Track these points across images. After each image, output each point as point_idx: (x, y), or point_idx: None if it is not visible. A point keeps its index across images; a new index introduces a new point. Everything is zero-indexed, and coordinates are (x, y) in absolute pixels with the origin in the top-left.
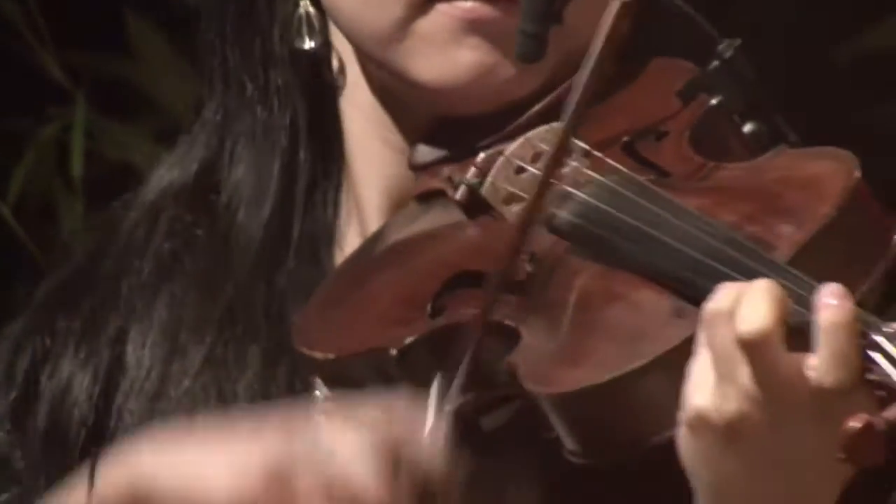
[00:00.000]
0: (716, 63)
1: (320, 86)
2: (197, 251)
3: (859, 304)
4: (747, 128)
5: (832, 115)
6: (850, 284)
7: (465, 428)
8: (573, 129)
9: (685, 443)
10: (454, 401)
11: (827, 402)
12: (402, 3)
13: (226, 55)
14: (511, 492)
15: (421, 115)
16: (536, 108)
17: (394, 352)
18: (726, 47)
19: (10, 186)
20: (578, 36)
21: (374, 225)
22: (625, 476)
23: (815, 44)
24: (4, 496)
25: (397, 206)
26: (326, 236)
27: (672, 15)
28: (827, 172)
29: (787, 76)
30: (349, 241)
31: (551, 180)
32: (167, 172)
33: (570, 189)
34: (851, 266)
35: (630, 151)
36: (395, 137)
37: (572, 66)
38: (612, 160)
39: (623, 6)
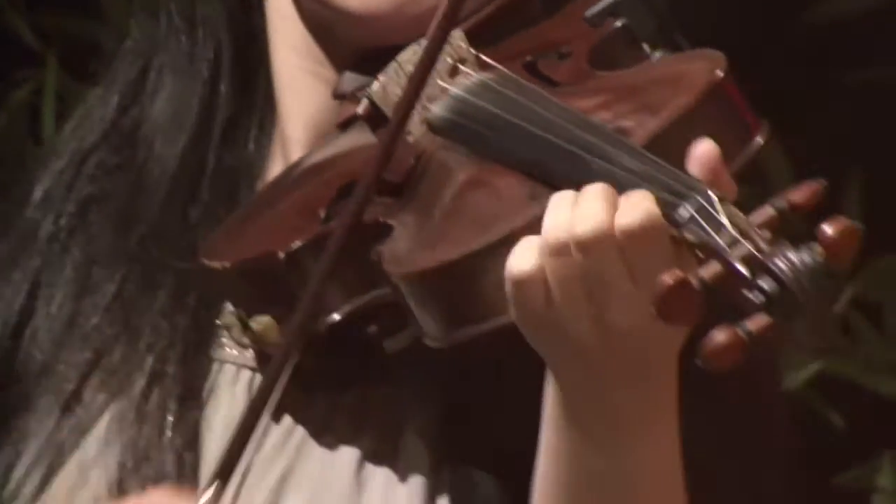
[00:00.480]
0: None
1: (250, 21)
2: (116, 188)
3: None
4: (656, 56)
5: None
6: None
7: (366, 351)
8: (446, 31)
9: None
10: (340, 309)
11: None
12: None
13: None
14: (413, 415)
15: (350, 46)
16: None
17: (281, 255)
18: None
19: None
20: None
21: (297, 153)
22: (515, 382)
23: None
24: None
25: (318, 136)
26: (247, 172)
27: None
28: (693, 70)
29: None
30: (273, 173)
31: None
32: (91, 109)
33: (444, 85)
34: None
35: (530, 68)
36: (326, 70)
37: None
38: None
39: None
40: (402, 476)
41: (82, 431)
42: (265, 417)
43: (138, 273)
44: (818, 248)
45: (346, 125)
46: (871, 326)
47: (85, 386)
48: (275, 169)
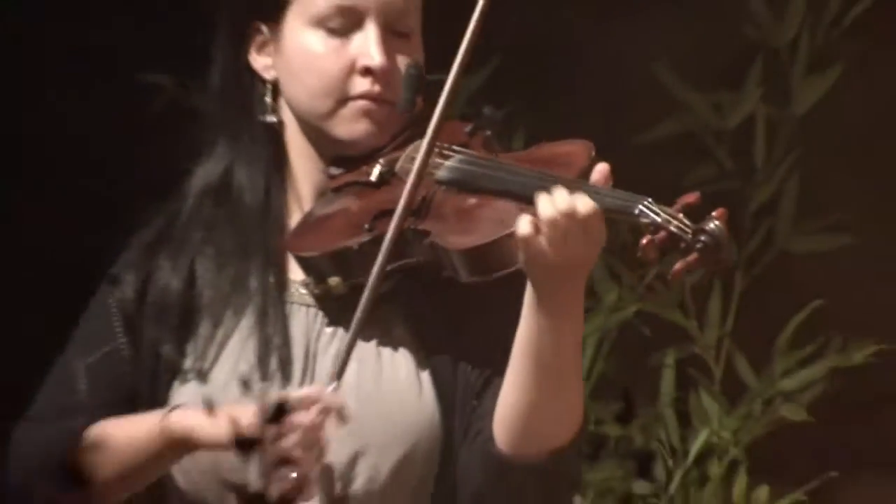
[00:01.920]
0: (487, 116)
1: (277, 135)
2: (227, 219)
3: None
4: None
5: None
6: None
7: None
8: (434, 140)
9: (527, 265)
10: (390, 266)
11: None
12: (333, 100)
13: (236, 123)
14: (400, 316)
15: (331, 151)
16: (389, 147)
17: (355, 246)
18: (491, 111)
19: None
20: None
21: (307, 206)
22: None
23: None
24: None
25: (319, 196)
26: (280, 212)
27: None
28: (577, 149)
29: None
30: (293, 216)
31: (433, 158)
32: (202, 178)
33: (442, 161)
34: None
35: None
36: (317, 163)
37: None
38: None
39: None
40: (399, 349)
41: (227, 336)
42: (357, 332)
43: (245, 257)
44: (714, 219)
45: (339, 190)
46: (664, 287)
47: (225, 312)
48: (294, 211)
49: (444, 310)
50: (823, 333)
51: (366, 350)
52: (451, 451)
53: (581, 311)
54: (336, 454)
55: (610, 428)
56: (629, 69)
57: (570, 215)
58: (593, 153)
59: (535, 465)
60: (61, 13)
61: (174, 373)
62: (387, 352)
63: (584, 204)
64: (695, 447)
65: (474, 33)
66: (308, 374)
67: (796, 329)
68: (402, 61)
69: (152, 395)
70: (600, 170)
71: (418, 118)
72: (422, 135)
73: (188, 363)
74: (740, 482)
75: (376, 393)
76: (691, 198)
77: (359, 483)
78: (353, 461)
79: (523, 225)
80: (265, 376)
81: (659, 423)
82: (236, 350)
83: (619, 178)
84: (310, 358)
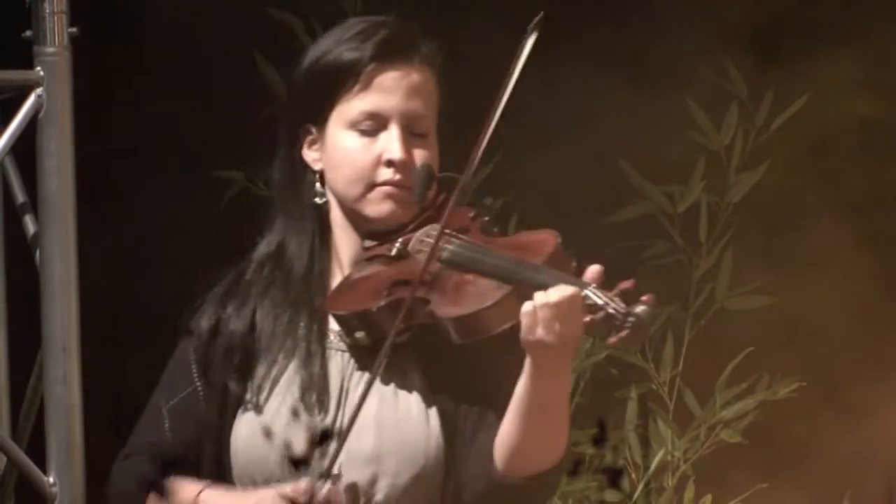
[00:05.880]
0: (487, 205)
1: (323, 213)
2: (281, 279)
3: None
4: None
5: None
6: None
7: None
8: (446, 224)
9: (525, 340)
10: (398, 326)
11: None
12: (363, 186)
13: (290, 204)
14: (414, 364)
15: (364, 227)
16: (412, 224)
17: (374, 308)
18: (490, 201)
19: None
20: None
21: (347, 270)
22: (478, 349)
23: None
24: (186, 392)
25: (356, 262)
26: (322, 274)
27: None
28: (546, 238)
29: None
30: (335, 278)
31: (440, 243)
32: (263, 247)
33: (447, 245)
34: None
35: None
36: (354, 236)
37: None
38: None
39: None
40: (412, 390)
41: (279, 374)
42: (375, 379)
43: (295, 310)
44: (643, 304)
45: (370, 259)
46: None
47: (278, 355)
48: (336, 274)
49: (449, 360)
50: (754, 374)
51: (385, 390)
52: (454, 471)
53: (568, 374)
54: (359, 475)
55: (586, 448)
56: (602, 166)
57: (555, 305)
58: (559, 240)
59: (524, 482)
60: (158, 118)
61: (238, 405)
62: (402, 392)
63: (562, 292)
64: (653, 464)
65: (484, 141)
66: (341, 407)
67: (733, 370)
68: (418, 155)
69: (221, 425)
70: (594, 270)
71: (433, 205)
72: (436, 219)
73: (248, 396)
74: (689, 492)
75: (393, 425)
76: (627, 284)
77: (378, 499)
78: (374, 481)
79: (526, 307)
80: (308, 407)
81: (625, 445)
82: (286, 385)
83: (593, 252)
84: (343, 393)
